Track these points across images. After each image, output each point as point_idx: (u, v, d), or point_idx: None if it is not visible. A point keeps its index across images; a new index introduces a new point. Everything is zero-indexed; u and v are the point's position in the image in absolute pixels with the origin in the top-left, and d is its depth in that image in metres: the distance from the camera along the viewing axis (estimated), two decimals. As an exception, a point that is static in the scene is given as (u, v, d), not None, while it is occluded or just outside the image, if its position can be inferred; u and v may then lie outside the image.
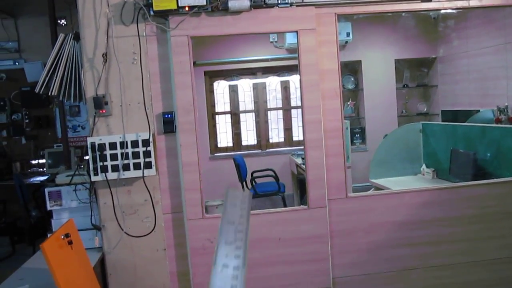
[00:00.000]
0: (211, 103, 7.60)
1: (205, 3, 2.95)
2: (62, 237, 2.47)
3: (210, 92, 7.59)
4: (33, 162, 6.74)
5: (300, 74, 3.20)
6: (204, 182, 3.19)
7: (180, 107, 3.08)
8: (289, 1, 3.08)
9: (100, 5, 3.00)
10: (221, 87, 7.67)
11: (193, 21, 3.03)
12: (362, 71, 7.49)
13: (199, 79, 7.31)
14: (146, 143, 2.98)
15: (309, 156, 3.23)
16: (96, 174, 2.96)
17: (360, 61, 7.48)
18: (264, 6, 3.06)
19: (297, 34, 3.17)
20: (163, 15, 3.00)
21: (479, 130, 4.16)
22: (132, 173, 2.99)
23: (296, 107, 7.72)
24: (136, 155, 2.99)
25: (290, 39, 6.53)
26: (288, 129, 7.77)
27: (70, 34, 3.07)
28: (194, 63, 7.16)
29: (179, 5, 2.91)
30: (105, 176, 2.96)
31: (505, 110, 5.71)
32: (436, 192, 3.45)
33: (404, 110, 7.76)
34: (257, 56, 7.32)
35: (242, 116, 7.74)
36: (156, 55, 3.09)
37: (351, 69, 7.68)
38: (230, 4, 2.97)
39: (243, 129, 7.73)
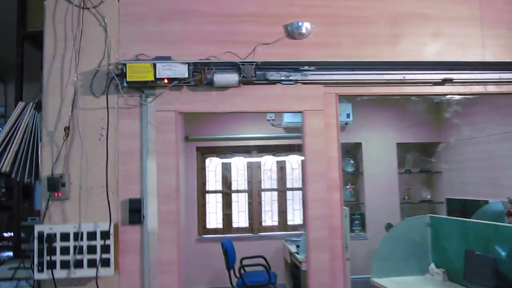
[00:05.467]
0: (202, 181, 7.14)
1: (187, 76, 2.59)
2: None
3: (201, 169, 7.17)
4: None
5: (305, 162, 2.75)
6: (189, 266, 2.66)
7: (161, 194, 2.62)
8: (294, 78, 2.71)
9: (69, 72, 2.64)
10: (213, 164, 7.25)
11: (173, 95, 2.65)
12: (363, 154, 7.13)
13: (191, 155, 6.94)
14: (105, 235, 2.48)
15: (312, 259, 2.69)
16: (41, 270, 2.43)
17: (361, 143, 7.15)
18: (264, 82, 2.68)
19: (302, 115, 2.78)
20: (139, 87, 2.63)
21: (493, 229, 3.67)
22: (85, 272, 2.46)
23: (292, 189, 7.26)
24: (92, 249, 2.48)
25: (287, 118, 6.23)
26: (282, 212, 7.24)
27: (31, 103, 2.68)
28: (186, 138, 6.90)
29: (157, 76, 2.55)
30: (52, 273, 2.43)
31: (517, 202, 5.27)
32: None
33: (406, 197, 7.29)
34: (252, 134, 6.99)
35: (234, 196, 7.24)
36: (128, 132, 2.67)
37: (351, 152, 7.32)
38: (215, 78, 2.61)
39: (234, 210, 7.21)
